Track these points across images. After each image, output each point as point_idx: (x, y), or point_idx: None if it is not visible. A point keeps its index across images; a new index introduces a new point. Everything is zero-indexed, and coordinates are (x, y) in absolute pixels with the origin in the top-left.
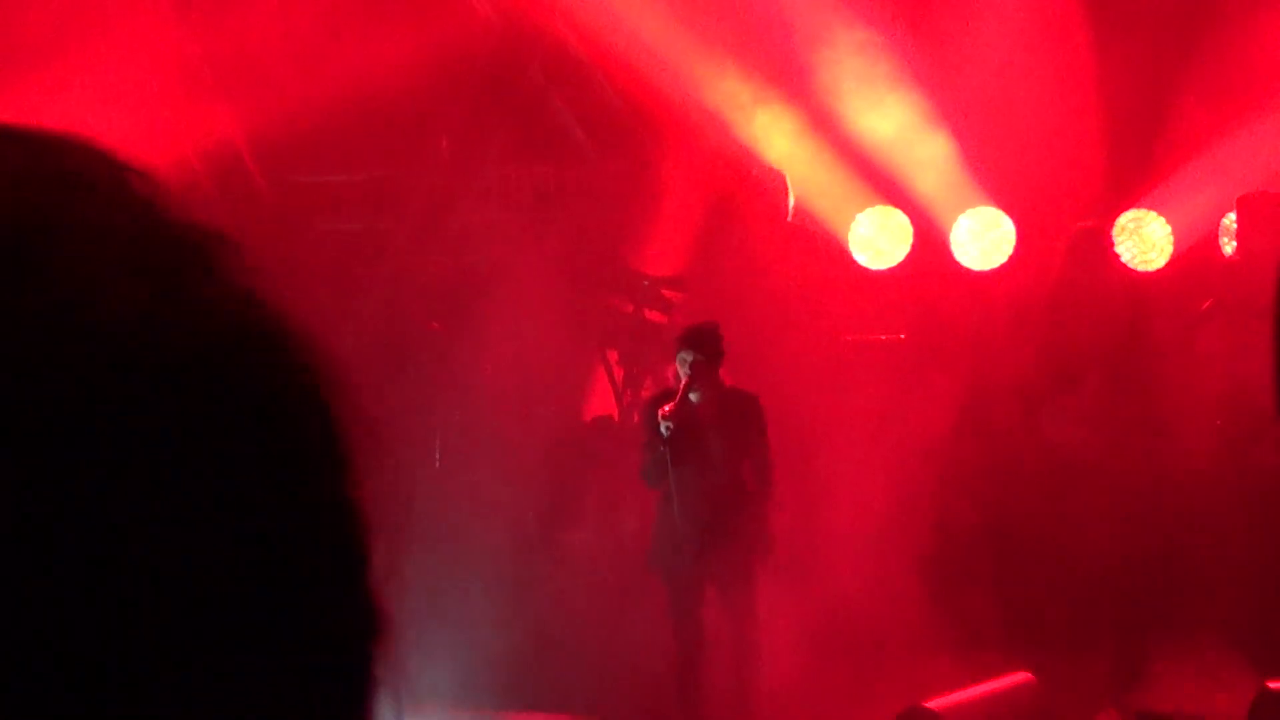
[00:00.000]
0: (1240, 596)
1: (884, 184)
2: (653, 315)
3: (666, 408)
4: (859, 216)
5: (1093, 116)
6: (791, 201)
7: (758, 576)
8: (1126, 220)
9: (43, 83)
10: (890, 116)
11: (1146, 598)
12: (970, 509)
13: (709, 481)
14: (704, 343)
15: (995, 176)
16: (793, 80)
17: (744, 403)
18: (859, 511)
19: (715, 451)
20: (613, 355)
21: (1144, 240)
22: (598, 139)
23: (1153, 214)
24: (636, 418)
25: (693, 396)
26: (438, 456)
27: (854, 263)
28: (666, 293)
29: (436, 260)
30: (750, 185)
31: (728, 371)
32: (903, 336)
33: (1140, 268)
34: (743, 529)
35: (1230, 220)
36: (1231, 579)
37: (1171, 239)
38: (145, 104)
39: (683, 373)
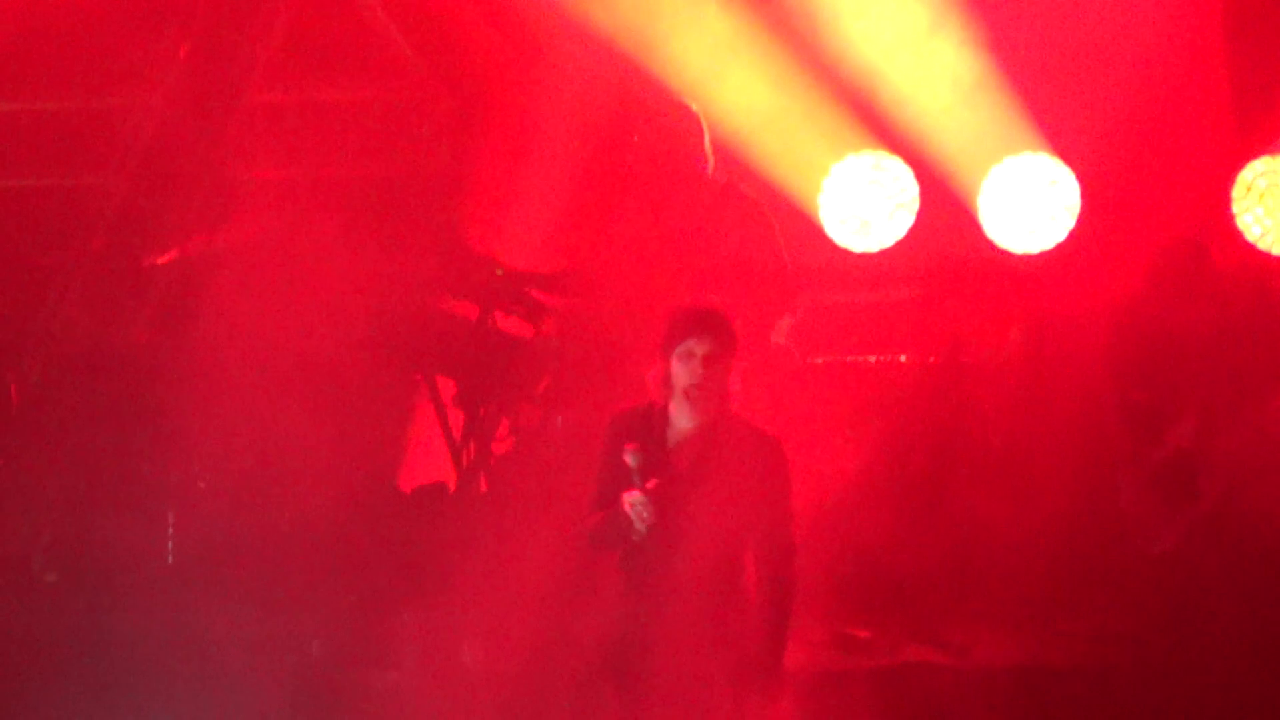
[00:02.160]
0: None
1: (873, 120)
2: (510, 325)
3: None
4: (834, 168)
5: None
6: (709, 150)
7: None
8: (1254, 175)
9: None
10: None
11: None
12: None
13: (687, 563)
14: (716, 331)
15: (1047, 112)
16: None
17: (761, 449)
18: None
19: (705, 515)
20: (448, 387)
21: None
22: (429, 57)
23: None
24: (483, 483)
25: (685, 418)
26: (169, 551)
27: (826, 240)
28: (535, 293)
29: (163, 233)
30: (652, 127)
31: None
32: (903, 358)
33: (1275, 249)
34: (731, 647)
35: None
36: None
37: None
38: None
39: (678, 381)
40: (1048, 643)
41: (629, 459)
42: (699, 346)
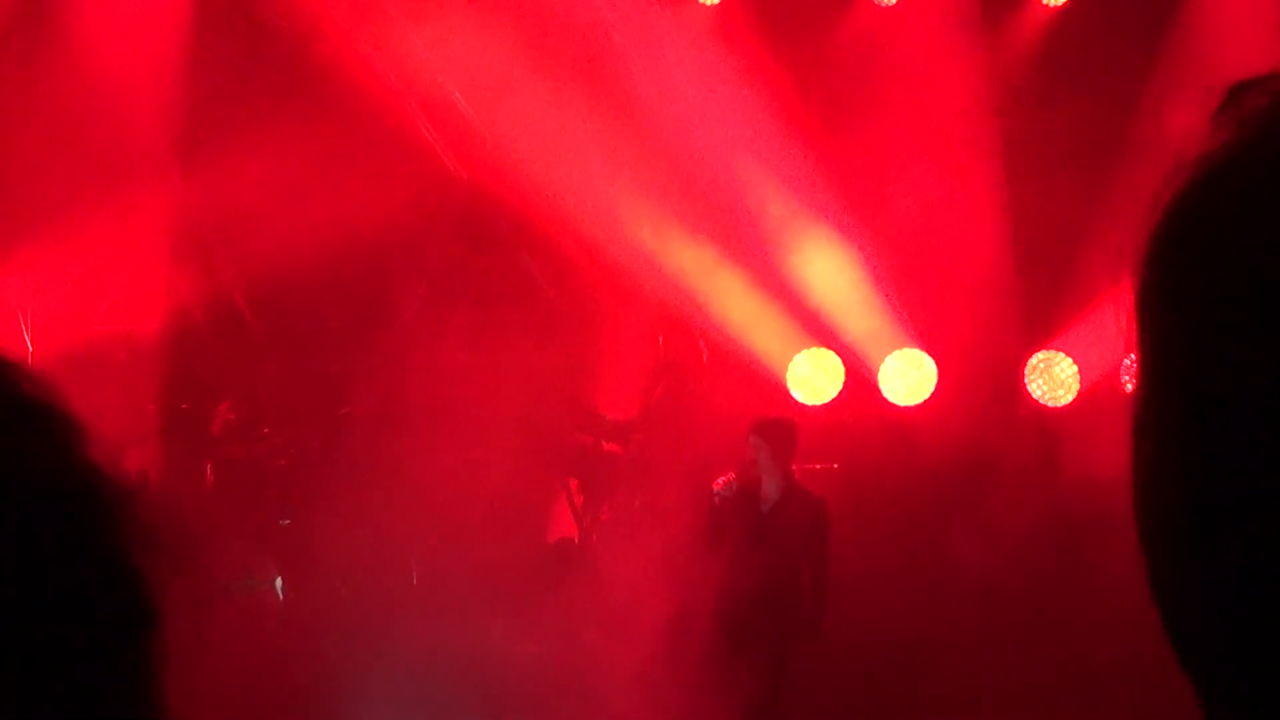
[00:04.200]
0: None
1: (819, 328)
2: (610, 447)
3: (722, 481)
4: (796, 358)
5: (1008, 266)
6: (703, 346)
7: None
8: (1037, 361)
9: (56, 240)
10: (824, 266)
11: None
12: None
13: (748, 579)
14: (774, 431)
15: (919, 321)
16: (736, 237)
17: (811, 506)
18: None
19: (768, 546)
20: (573, 483)
21: (1053, 379)
22: (556, 285)
23: (1060, 354)
24: (595, 538)
25: (767, 485)
26: (414, 577)
27: (791, 399)
28: (621, 425)
29: (414, 395)
30: (682, 333)
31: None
32: (835, 466)
33: (1050, 404)
34: (773, 649)
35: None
36: None
37: (1078, 378)
38: (152, 257)
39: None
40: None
41: (715, 491)
42: (759, 442)
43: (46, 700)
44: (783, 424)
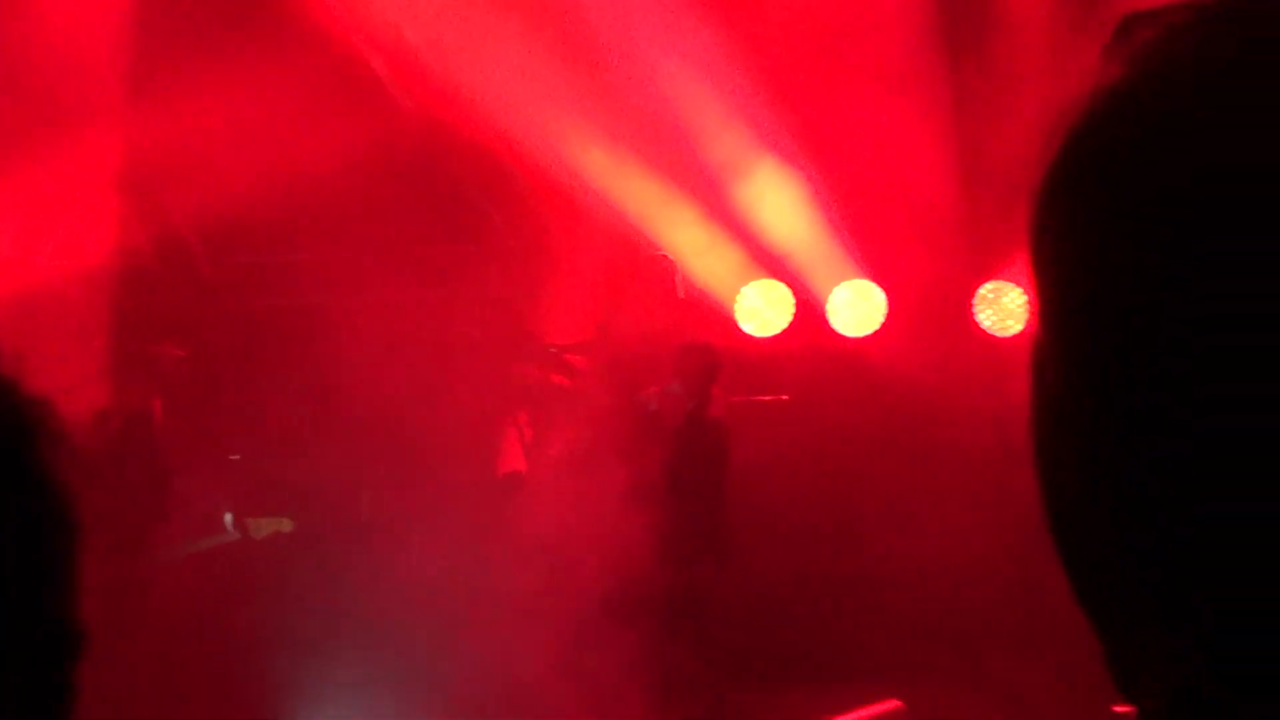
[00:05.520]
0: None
1: (768, 259)
2: (560, 380)
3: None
4: (744, 289)
5: (957, 196)
6: (679, 280)
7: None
8: (987, 291)
9: (2, 177)
10: (774, 197)
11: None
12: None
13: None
14: (689, 357)
15: (868, 252)
16: (685, 168)
17: (715, 430)
18: (744, 550)
19: (678, 472)
20: (522, 417)
21: (1002, 309)
22: (509, 220)
23: (1010, 284)
24: (544, 471)
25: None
26: (366, 511)
27: (740, 331)
28: (570, 358)
29: (365, 329)
30: (642, 266)
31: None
32: (785, 397)
33: (999, 334)
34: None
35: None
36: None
37: (1028, 307)
38: (100, 195)
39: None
40: None
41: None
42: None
43: None
44: (697, 349)
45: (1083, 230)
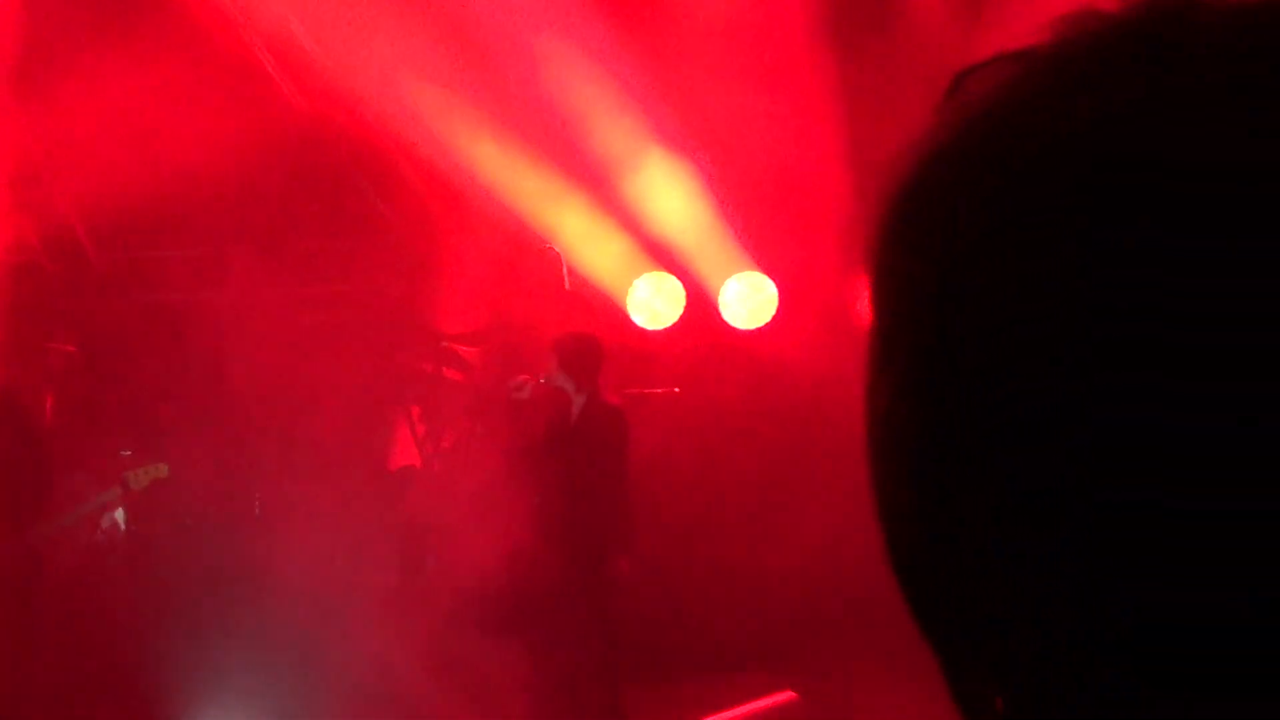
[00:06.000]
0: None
1: (659, 252)
2: (452, 373)
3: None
4: (636, 282)
5: (848, 187)
6: (566, 273)
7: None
8: None
9: None
10: (665, 190)
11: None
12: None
13: (556, 496)
14: (566, 347)
15: (760, 244)
16: (576, 160)
17: (609, 418)
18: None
19: (571, 463)
20: (415, 410)
21: None
22: (398, 214)
23: None
24: (437, 465)
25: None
26: (258, 506)
27: (632, 324)
28: (461, 351)
29: (255, 324)
30: (530, 259)
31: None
32: (677, 390)
33: None
34: (590, 568)
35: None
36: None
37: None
38: None
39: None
40: None
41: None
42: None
43: None
44: (575, 339)
45: (903, 281)
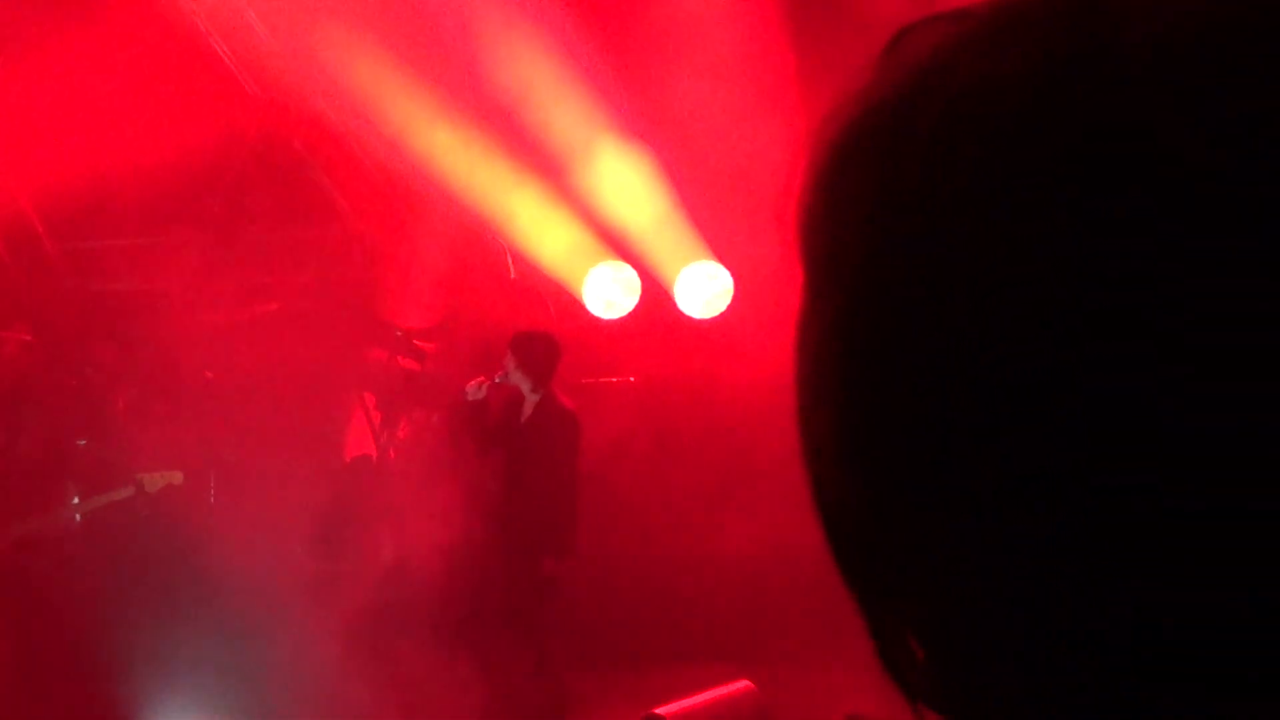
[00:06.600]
0: None
1: (615, 241)
2: (407, 363)
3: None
4: (592, 271)
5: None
6: (511, 262)
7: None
8: None
9: None
10: (620, 179)
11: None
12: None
13: (505, 493)
14: (524, 345)
15: (715, 233)
16: (531, 150)
17: (561, 418)
18: (589, 533)
19: (521, 461)
20: (370, 399)
21: None
22: (352, 203)
23: None
24: (392, 455)
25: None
26: (212, 493)
27: (587, 313)
28: (419, 343)
29: (209, 316)
30: (480, 250)
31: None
32: (632, 379)
33: None
34: (530, 565)
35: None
36: None
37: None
38: None
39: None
40: None
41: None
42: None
43: None
44: (533, 338)
45: (833, 243)
